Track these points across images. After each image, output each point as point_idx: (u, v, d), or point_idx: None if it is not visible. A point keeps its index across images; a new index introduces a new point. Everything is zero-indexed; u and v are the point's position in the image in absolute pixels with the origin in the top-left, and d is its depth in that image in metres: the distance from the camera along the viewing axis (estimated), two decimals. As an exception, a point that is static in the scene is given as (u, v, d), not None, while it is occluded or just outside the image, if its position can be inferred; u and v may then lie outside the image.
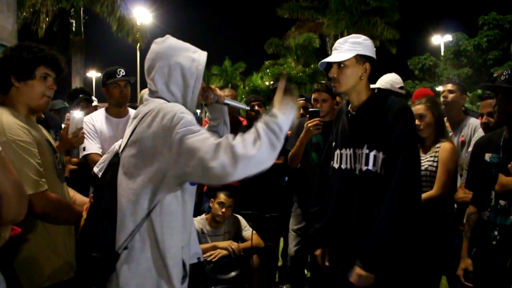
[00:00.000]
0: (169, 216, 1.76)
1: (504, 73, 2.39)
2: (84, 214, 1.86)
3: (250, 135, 1.64)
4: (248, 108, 2.34)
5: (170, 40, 1.92)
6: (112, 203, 1.79)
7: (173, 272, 1.76)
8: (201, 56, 1.90)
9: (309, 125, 3.45)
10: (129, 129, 1.87)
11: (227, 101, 2.13)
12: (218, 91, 2.09)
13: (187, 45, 1.92)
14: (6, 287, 1.68)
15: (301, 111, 4.22)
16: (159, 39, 1.94)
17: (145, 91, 2.15)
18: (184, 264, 1.82)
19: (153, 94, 1.89)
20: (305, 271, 4.47)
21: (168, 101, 1.84)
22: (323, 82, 3.93)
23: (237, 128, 4.43)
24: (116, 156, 1.87)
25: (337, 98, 3.97)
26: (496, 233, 2.37)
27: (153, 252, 1.75)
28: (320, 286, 3.80)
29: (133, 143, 1.79)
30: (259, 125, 1.66)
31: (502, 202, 2.37)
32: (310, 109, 3.57)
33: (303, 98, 4.47)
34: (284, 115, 1.70)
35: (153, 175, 1.73)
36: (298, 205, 3.97)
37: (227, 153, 1.58)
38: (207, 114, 2.20)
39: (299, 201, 3.96)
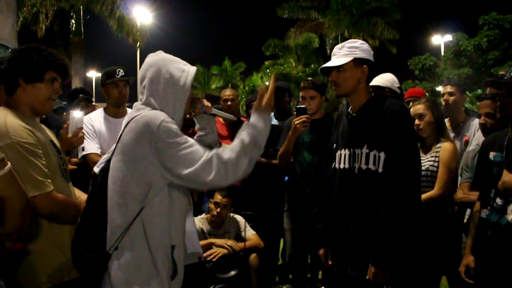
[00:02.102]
0: (157, 216, 1.83)
1: (510, 71, 2.46)
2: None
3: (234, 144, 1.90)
4: (235, 119, 2.46)
5: (162, 54, 2.03)
6: (103, 205, 1.87)
7: (162, 269, 1.83)
8: (191, 68, 2.00)
9: (296, 122, 3.36)
10: (119, 135, 1.95)
11: (215, 111, 2.23)
12: (206, 102, 2.20)
13: (178, 58, 2.03)
14: None
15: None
16: (152, 53, 2.05)
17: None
18: (174, 262, 1.87)
19: (143, 101, 1.96)
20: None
21: (156, 109, 1.91)
22: (310, 79, 3.91)
23: (238, 128, 4.41)
24: (109, 160, 1.95)
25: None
26: (491, 231, 2.38)
27: (142, 250, 1.82)
28: (320, 285, 3.80)
29: (119, 148, 1.88)
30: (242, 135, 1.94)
31: (499, 201, 2.37)
32: (297, 106, 3.49)
33: None
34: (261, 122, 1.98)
35: (139, 179, 1.82)
36: (288, 204, 3.93)
37: (219, 164, 1.79)
38: (196, 124, 2.26)
39: (289, 200, 3.91)
